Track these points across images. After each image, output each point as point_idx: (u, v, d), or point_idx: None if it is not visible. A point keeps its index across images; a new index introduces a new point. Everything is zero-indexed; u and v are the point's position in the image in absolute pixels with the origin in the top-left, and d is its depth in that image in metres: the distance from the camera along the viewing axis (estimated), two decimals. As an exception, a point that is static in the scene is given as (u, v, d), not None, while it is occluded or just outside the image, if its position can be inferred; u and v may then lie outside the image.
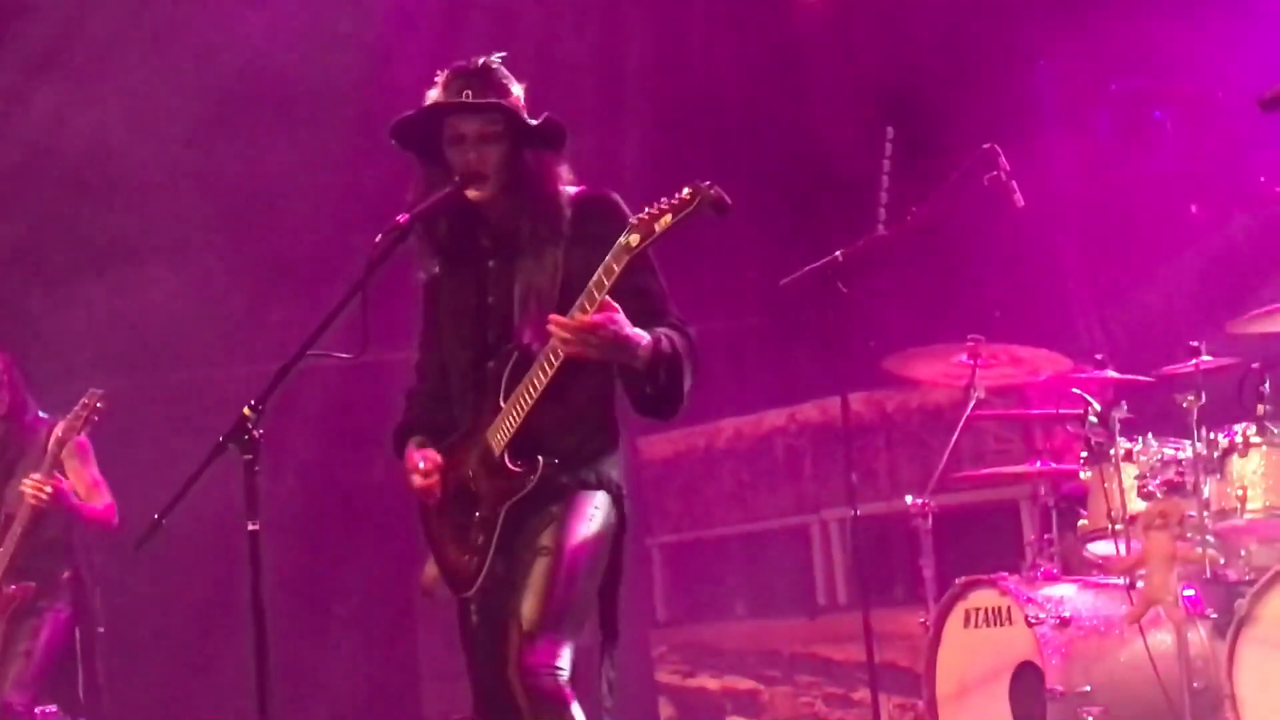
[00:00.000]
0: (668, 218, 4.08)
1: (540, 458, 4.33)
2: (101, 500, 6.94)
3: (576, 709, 4.23)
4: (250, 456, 4.37)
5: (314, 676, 8.58)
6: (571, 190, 4.53)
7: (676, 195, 4.09)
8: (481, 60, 4.56)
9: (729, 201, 4.12)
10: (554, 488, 4.37)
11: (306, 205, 9.49)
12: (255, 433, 4.35)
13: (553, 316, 4.19)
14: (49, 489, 6.59)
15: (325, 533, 9.42)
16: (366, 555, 9.42)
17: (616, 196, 4.49)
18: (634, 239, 4.11)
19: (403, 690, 9.86)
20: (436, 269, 4.68)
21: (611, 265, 4.13)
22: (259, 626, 4.32)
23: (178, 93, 9.34)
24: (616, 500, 4.46)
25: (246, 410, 4.40)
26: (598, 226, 4.32)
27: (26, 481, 6.62)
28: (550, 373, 4.26)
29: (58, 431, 6.76)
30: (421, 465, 4.53)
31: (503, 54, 4.61)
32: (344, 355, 4.54)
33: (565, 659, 4.25)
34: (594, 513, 4.39)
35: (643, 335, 4.21)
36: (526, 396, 4.32)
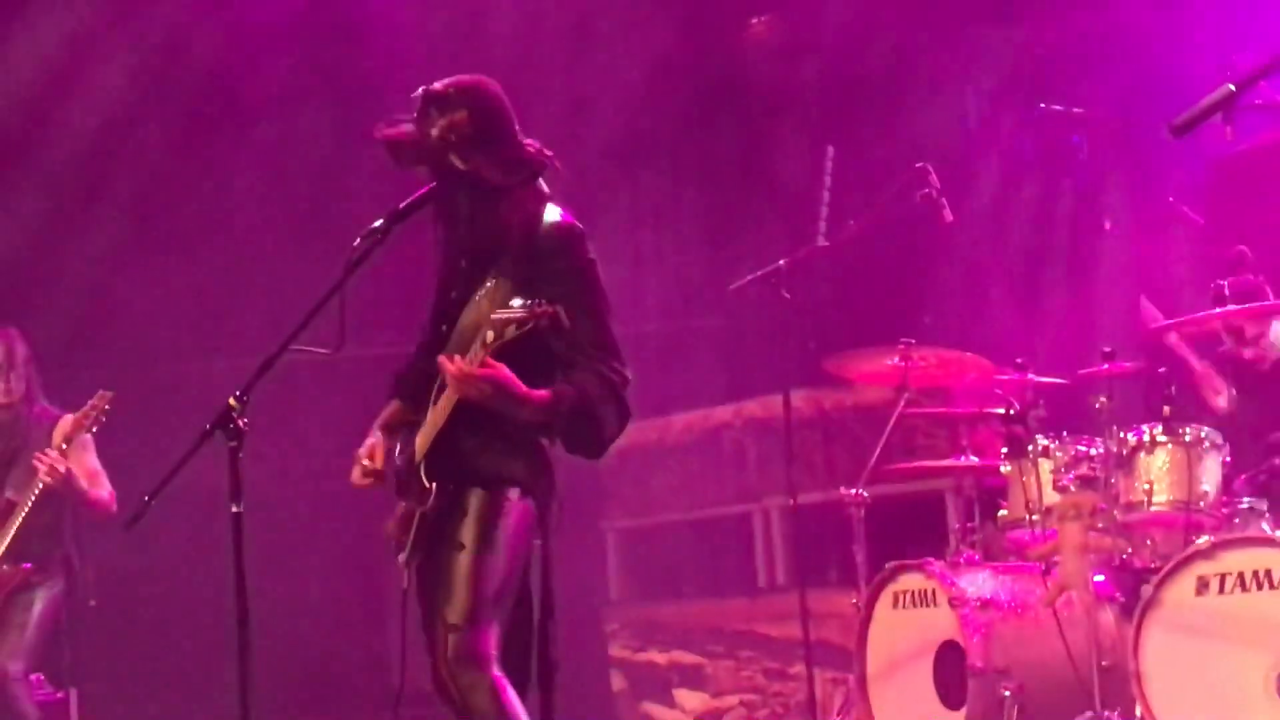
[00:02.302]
0: (513, 329, 4.04)
1: (434, 485, 4.30)
2: (103, 489, 6.88)
3: (507, 691, 4.21)
4: (235, 444, 4.37)
5: (293, 650, 8.52)
6: (550, 216, 4.44)
7: (522, 311, 4.05)
8: (448, 81, 4.53)
9: (566, 322, 4.07)
10: (467, 484, 4.32)
11: (286, 205, 9.47)
12: (239, 421, 4.36)
13: (440, 360, 4.19)
14: (62, 468, 6.57)
15: (306, 513, 9.38)
16: (348, 533, 9.40)
17: (576, 232, 4.41)
18: (490, 336, 4.08)
19: (378, 662, 9.85)
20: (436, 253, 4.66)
21: (487, 340, 4.09)
22: (240, 602, 4.30)
23: (159, 88, 9.26)
24: (528, 493, 4.39)
25: (231, 401, 4.40)
26: (548, 262, 4.30)
27: (41, 456, 6.59)
28: (452, 403, 4.26)
29: (64, 425, 6.74)
30: (365, 463, 4.53)
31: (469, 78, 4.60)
32: (323, 350, 4.52)
33: (490, 644, 4.23)
34: (507, 507, 4.33)
35: (531, 394, 4.18)
36: (442, 413, 4.31)
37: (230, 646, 4.28)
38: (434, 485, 4.32)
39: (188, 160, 9.43)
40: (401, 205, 4.52)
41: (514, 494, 4.37)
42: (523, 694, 4.43)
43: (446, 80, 4.49)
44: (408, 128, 4.45)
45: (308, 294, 4.54)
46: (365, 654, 9.74)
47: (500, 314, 4.10)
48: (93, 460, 6.94)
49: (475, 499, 4.32)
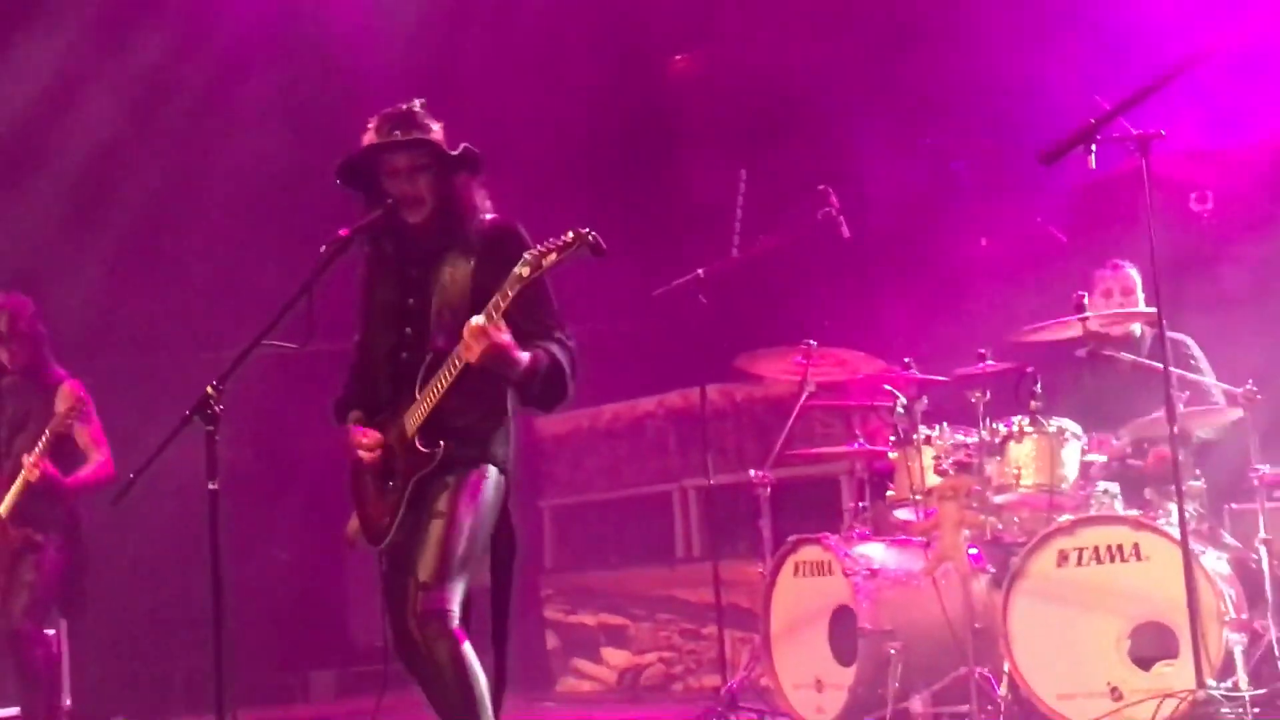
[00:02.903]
0: (553, 256, 4.12)
1: (442, 442, 4.33)
2: (99, 454, 6.72)
3: (466, 646, 4.22)
4: (211, 428, 4.37)
5: (260, 608, 8.48)
6: (487, 217, 4.52)
7: (562, 237, 4.13)
8: (405, 105, 4.55)
9: (604, 246, 4.15)
10: (452, 462, 4.35)
11: (260, 209, 9.40)
12: (216, 408, 4.36)
13: (472, 325, 4.17)
14: (38, 471, 6.41)
15: (272, 491, 9.34)
16: (305, 511, 9.37)
17: (521, 228, 4.48)
18: (525, 270, 4.13)
19: (333, 621, 9.83)
20: (372, 269, 4.66)
21: (506, 291, 4.14)
22: (215, 565, 4.33)
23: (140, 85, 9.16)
24: (503, 472, 4.45)
25: (209, 389, 4.40)
26: (504, 252, 4.30)
27: (26, 458, 6.44)
28: (455, 373, 4.27)
29: (60, 406, 6.55)
30: (365, 441, 4.50)
31: (422, 99, 4.62)
32: (291, 346, 4.51)
33: (455, 603, 4.23)
34: (482, 483, 4.37)
35: (523, 355, 4.23)
36: (436, 390, 4.31)
37: (208, 603, 4.32)
38: (436, 447, 4.32)
39: (173, 173, 9.33)
40: (362, 222, 4.52)
41: (492, 471, 4.42)
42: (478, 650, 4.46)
43: (409, 103, 4.55)
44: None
45: (279, 294, 4.55)
46: (322, 610, 9.74)
47: (533, 252, 4.14)
48: (93, 426, 6.76)
49: (456, 474, 4.36)
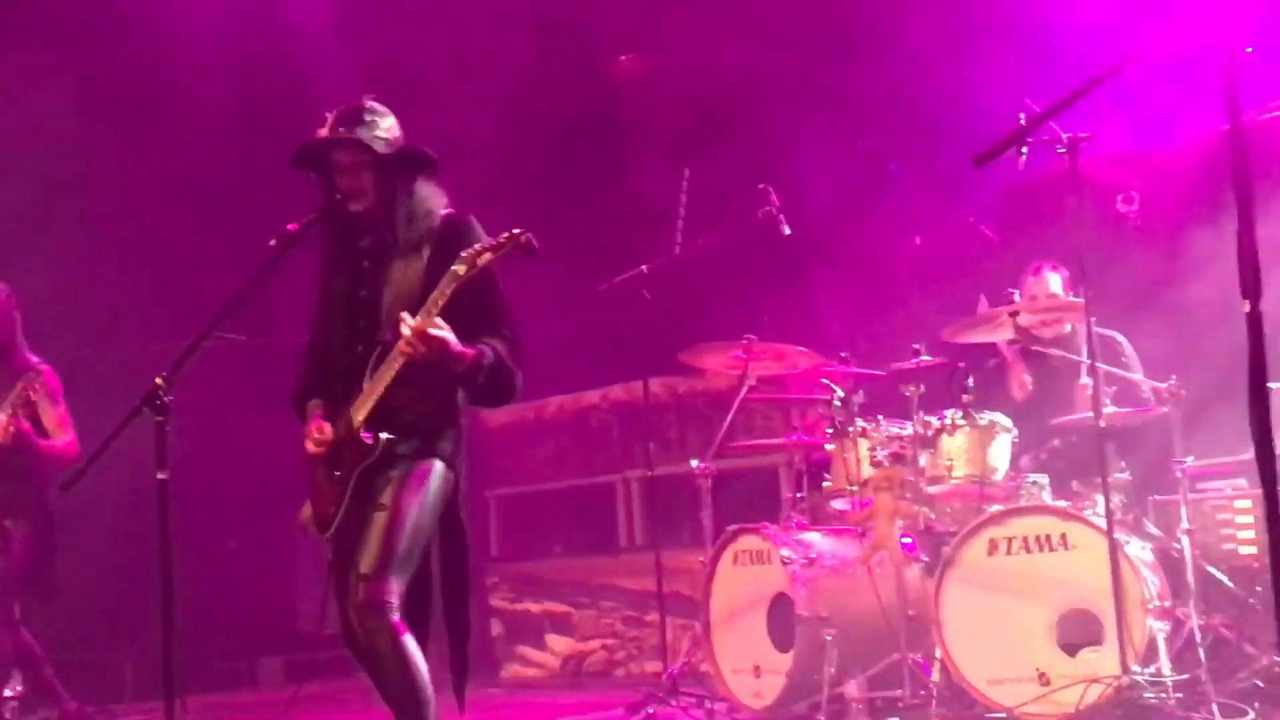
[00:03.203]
0: (487, 255, 4.16)
1: (384, 434, 4.32)
2: (66, 436, 6.73)
3: (406, 636, 4.21)
4: (161, 418, 4.36)
5: (209, 594, 8.43)
6: (441, 211, 4.51)
7: (497, 239, 4.16)
8: (359, 102, 4.54)
9: (537, 245, 4.18)
10: (398, 456, 4.34)
11: (218, 205, 9.33)
12: (165, 399, 4.34)
13: (401, 316, 4.19)
14: (12, 429, 6.43)
15: (221, 481, 9.28)
16: (254, 501, 9.32)
17: (474, 221, 4.48)
18: (461, 269, 4.16)
19: (281, 609, 9.80)
20: (326, 261, 4.65)
21: (444, 289, 4.16)
22: (164, 553, 4.34)
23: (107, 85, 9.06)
24: (450, 467, 4.44)
25: (158, 380, 4.37)
26: (456, 246, 4.30)
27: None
28: (398, 367, 4.27)
29: (22, 384, 6.55)
30: (315, 435, 4.49)
31: (372, 96, 4.61)
32: (239, 337, 4.50)
33: (395, 595, 4.22)
34: (427, 478, 4.35)
35: (465, 350, 4.23)
36: (381, 383, 4.31)
37: (157, 591, 4.33)
38: (379, 440, 4.31)
39: (126, 170, 9.24)
40: (308, 218, 4.51)
41: (438, 465, 4.40)
42: (422, 642, 4.45)
43: (360, 99, 4.56)
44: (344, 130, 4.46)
45: (226, 288, 4.53)
46: (270, 598, 9.69)
47: (469, 251, 4.16)
48: (60, 408, 6.78)
49: (400, 468, 4.34)
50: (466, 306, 4.26)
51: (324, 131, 4.51)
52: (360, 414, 4.35)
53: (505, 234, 4.17)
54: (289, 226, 4.49)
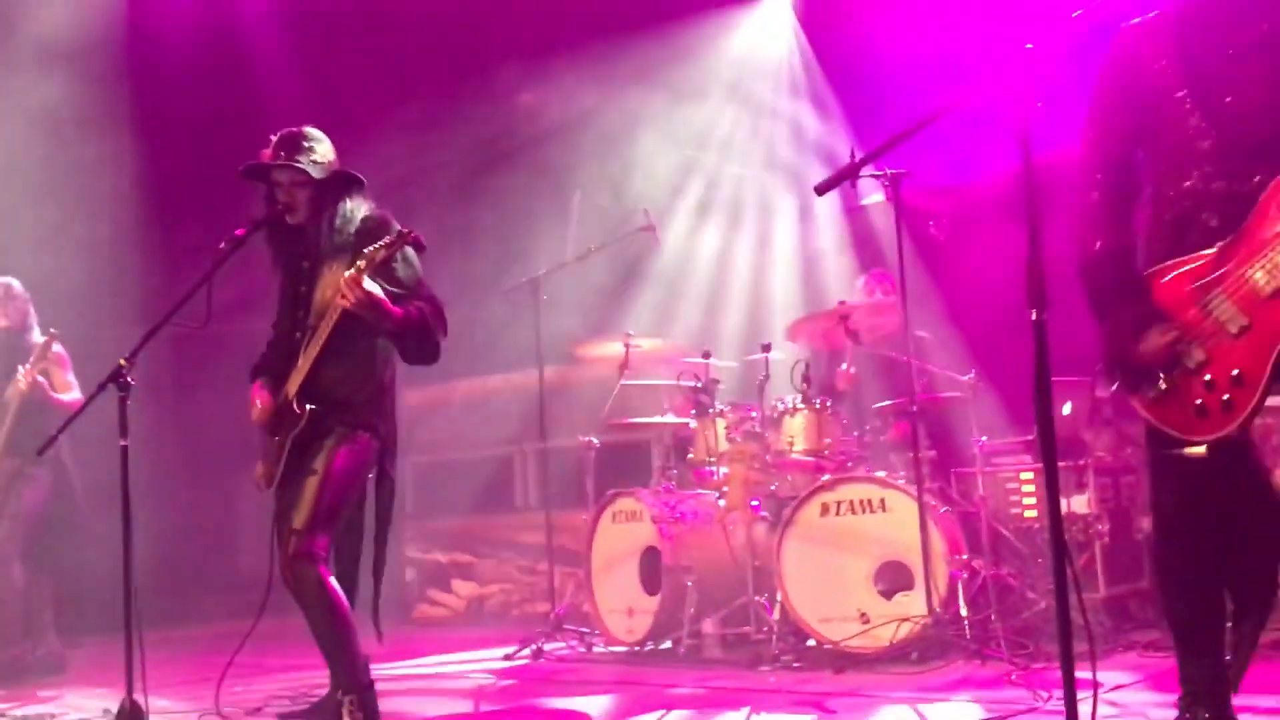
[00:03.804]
0: (382, 251, 4.11)
1: (309, 406, 4.26)
2: (72, 393, 6.63)
3: (330, 580, 4.18)
4: (124, 393, 4.31)
5: (162, 543, 8.23)
6: (363, 212, 4.45)
7: (390, 237, 4.12)
8: (297, 129, 4.50)
9: (424, 243, 4.17)
10: (329, 426, 4.29)
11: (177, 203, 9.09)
12: (127, 378, 4.28)
13: (345, 277, 4.14)
14: (30, 379, 6.41)
15: (174, 446, 9.08)
16: (201, 463, 9.16)
17: (389, 218, 4.42)
18: (362, 263, 4.11)
19: (224, 555, 9.64)
20: (274, 262, 4.60)
21: (359, 264, 4.11)
22: (125, 506, 4.30)
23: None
24: (376, 436, 4.39)
25: (122, 361, 4.32)
26: (371, 239, 4.24)
27: (18, 374, 6.41)
28: (329, 328, 4.22)
29: (49, 350, 6.53)
30: (258, 404, 4.46)
31: (312, 126, 4.56)
32: (192, 325, 4.42)
33: (321, 547, 4.18)
34: (354, 446, 4.31)
35: (395, 308, 4.21)
36: (309, 358, 4.27)
37: (119, 538, 4.28)
38: (305, 410, 4.26)
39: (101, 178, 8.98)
40: (251, 226, 4.47)
41: (364, 436, 4.34)
42: (351, 588, 4.41)
43: (297, 127, 4.51)
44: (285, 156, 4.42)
45: (185, 280, 4.46)
46: (215, 546, 9.54)
47: (369, 249, 4.12)
48: (67, 374, 6.72)
49: (332, 438, 4.29)
50: (391, 284, 4.24)
51: (268, 154, 4.46)
52: (292, 387, 4.31)
53: (396, 233, 4.13)
54: (236, 232, 4.43)
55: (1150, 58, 3.08)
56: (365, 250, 4.13)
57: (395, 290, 4.26)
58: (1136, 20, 3.14)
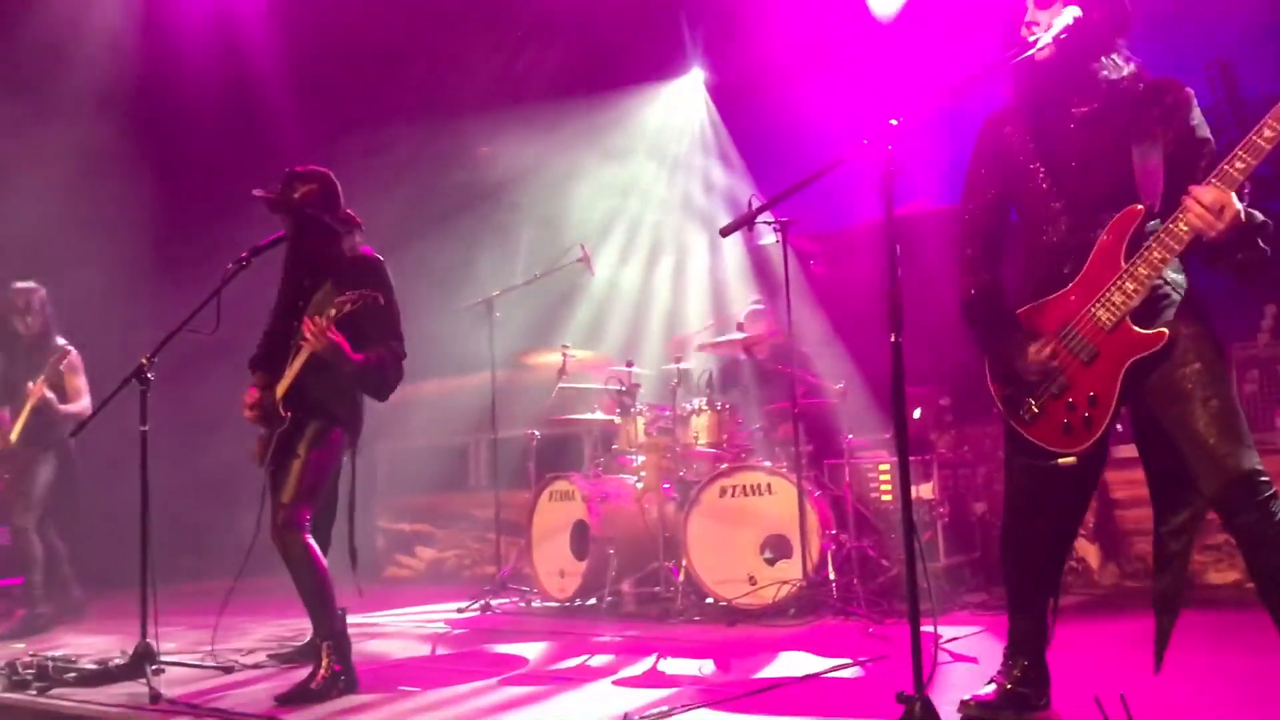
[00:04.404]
0: (348, 306, 4.06)
1: (288, 414, 4.21)
2: (82, 401, 6.49)
3: (314, 547, 4.12)
4: (144, 387, 4.25)
5: (172, 512, 8.05)
6: (356, 252, 4.38)
7: (355, 294, 4.06)
8: (292, 169, 4.43)
9: (382, 301, 4.11)
10: (310, 420, 4.24)
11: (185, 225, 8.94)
12: (148, 374, 4.21)
13: (305, 321, 4.11)
14: (40, 392, 6.28)
15: (186, 432, 8.91)
16: (208, 447, 9.00)
17: (381, 263, 4.35)
18: (333, 312, 4.07)
19: (222, 523, 9.46)
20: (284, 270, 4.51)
21: (330, 311, 4.07)
22: (143, 481, 4.25)
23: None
24: (347, 429, 4.33)
25: (144, 359, 4.25)
26: (357, 279, 4.22)
27: (30, 385, 6.28)
28: (303, 358, 4.17)
29: (60, 365, 6.37)
30: (249, 402, 4.39)
31: (301, 167, 4.49)
32: (203, 332, 4.37)
33: (305, 518, 4.13)
34: (329, 437, 4.25)
35: (353, 354, 4.13)
36: (293, 370, 4.22)
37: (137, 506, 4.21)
38: (288, 414, 4.22)
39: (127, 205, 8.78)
40: (261, 243, 4.41)
41: (338, 430, 4.30)
42: (325, 551, 4.36)
43: (304, 166, 4.43)
44: (274, 192, 4.36)
45: (198, 292, 4.41)
46: (219, 514, 9.34)
47: (343, 297, 4.08)
48: (78, 380, 6.55)
49: (311, 427, 4.24)
50: (369, 321, 4.17)
51: (261, 192, 4.38)
52: (280, 391, 4.26)
53: (359, 294, 4.06)
54: (243, 254, 4.38)
55: (1010, 137, 3.11)
56: (336, 300, 4.06)
57: (371, 330, 4.20)
58: (997, 111, 3.17)
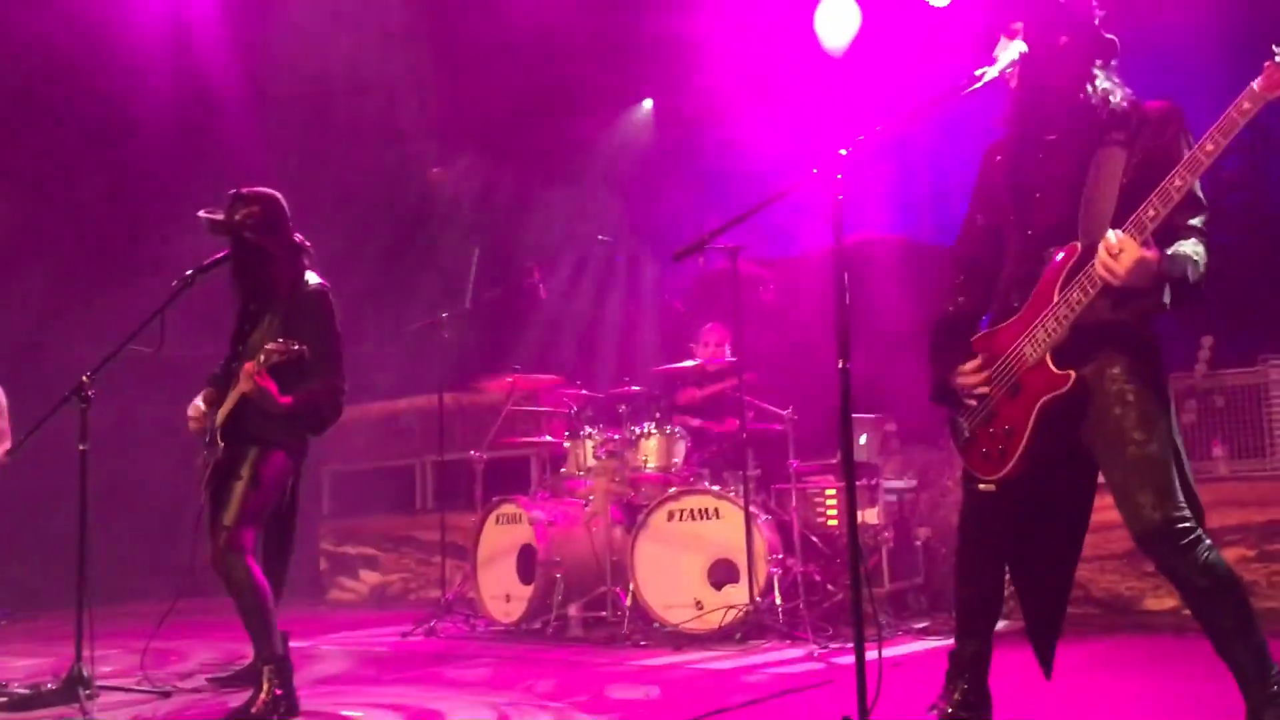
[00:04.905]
0: (276, 356, 4.02)
1: (223, 444, 4.15)
2: (5, 443, 6.43)
3: (254, 567, 4.08)
4: (84, 405, 4.17)
5: (111, 532, 7.90)
6: (307, 280, 4.31)
7: (283, 346, 4.02)
8: (236, 190, 4.36)
9: (306, 352, 4.06)
10: (252, 443, 4.18)
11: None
12: (89, 391, 4.14)
13: (245, 367, 4.06)
14: None
15: (125, 452, 8.75)
16: (147, 466, 8.86)
17: (325, 293, 4.29)
18: (263, 357, 4.02)
19: (163, 542, 9.29)
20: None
21: (261, 358, 4.03)
22: (82, 500, 4.20)
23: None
24: (290, 454, 4.28)
25: (84, 378, 4.19)
26: (304, 314, 4.21)
27: None
28: (238, 396, 4.13)
29: None
30: (194, 417, 4.33)
31: (244, 188, 4.42)
32: (147, 350, 4.30)
33: (247, 539, 4.09)
34: (271, 460, 4.20)
35: (281, 400, 4.09)
36: (230, 402, 4.17)
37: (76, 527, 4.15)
38: (222, 444, 4.17)
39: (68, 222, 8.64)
40: (205, 263, 4.35)
41: (280, 453, 4.25)
42: (278, 579, 4.30)
43: (248, 188, 4.37)
44: (219, 215, 4.30)
45: (140, 311, 4.34)
46: (158, 535, 9.19)
47: (271, 346, 4.03)
48: (3, 423, 6.49)
49: (253, 452, 4.18)
50: (312, 352, 4.12)
51: (205, 213, 4.32)
52: (220, 417, 4.22)
53: (284, 346, 4.02)
54: (187, 272, 4.32)
55: (996, 168, 3.13)
56: (265, 348, 4.02)
57: (311, 365, 4.14)
58: (996, 140, 3.17)
